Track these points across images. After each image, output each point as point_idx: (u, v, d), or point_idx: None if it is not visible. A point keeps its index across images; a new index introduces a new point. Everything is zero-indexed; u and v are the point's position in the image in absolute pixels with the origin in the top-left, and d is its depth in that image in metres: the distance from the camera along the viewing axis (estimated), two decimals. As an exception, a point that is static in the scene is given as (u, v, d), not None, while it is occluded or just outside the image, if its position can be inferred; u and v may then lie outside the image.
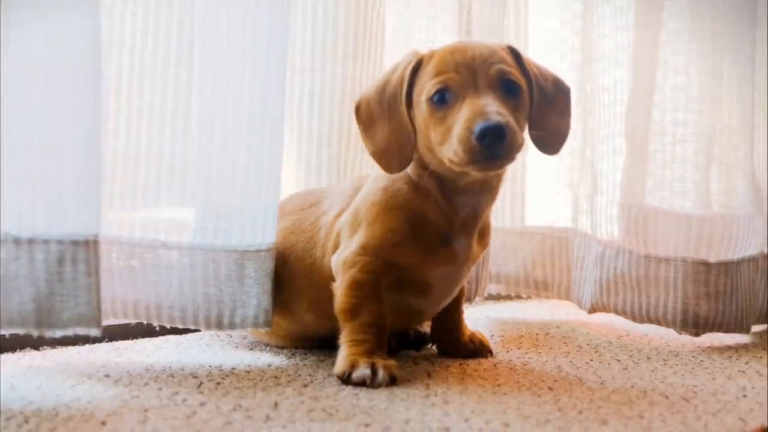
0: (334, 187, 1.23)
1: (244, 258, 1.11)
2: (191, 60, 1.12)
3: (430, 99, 1.02)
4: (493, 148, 0.96)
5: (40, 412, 0.87)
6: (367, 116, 1.09)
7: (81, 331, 0.96)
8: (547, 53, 1.58)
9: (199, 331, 1.27)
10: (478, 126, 0.96)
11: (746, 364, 1.21)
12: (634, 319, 1.40)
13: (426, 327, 1.26)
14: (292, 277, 1.15)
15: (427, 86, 1.03)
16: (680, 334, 1.37)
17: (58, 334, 0.96)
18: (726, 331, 1.37)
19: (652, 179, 1.44)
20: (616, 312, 1.41)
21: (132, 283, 1.11)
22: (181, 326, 1.13)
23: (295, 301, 1.15)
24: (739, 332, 1.38)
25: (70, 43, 0.95)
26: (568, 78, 1.51)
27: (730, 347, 1.33)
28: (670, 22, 1.42)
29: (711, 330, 1.36)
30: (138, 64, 1.12)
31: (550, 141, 1.10)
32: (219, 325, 1.12)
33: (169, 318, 1.11)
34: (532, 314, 1.60)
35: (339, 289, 1.08)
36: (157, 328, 1.18)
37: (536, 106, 1.07)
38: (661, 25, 1.42)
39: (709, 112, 1.41)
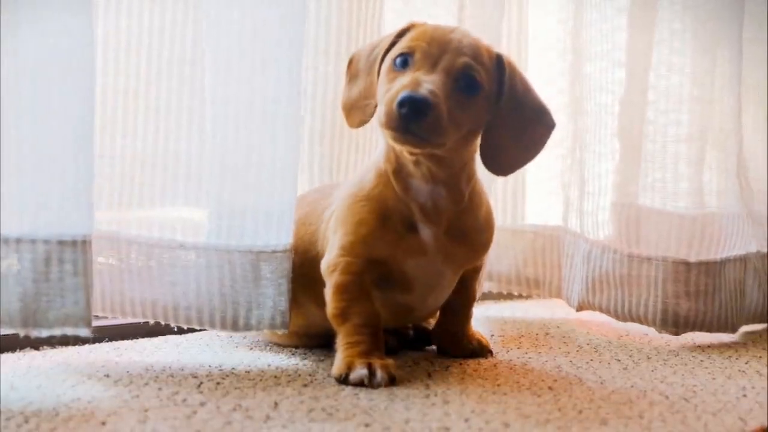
0: (343, 183, 1.24)
1: (259, 259, 1.11)
2: (205, 58, 1.12)
3: (393, 59, 1.04)
4: (408, 120, 0.96)
5: (40, 412, 0.87)
6: (354, 69, 1.12)
7: (69, 331, 0.96)
8: (545, 52, 1.58)
9: (200, 330, 1.27)
10: (402, 93, 0.97)
11: (746, 363, 1.21)
12: (617, 317, 1.40)
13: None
14: (300, 268, 1.15)
15: (396, 48, 1.05)
16: (660, 333, 1.38)
17: (45, 333, 0.95)
18: (709, 331, 1.37)
19: (638, 178, 1.43)
20: (601, 310, 1.42)
21: (149, 283, 1.11)
22: (198, 327, 1.13)
23: (303, 292, 1.15)
24: (724, 332, 1.38)
25: (60, 42, 0.95)
26: (566, 78, 1.53)
27: (729, 347, 1.33)
28: (663, 22, 1.42)
29: (692, 329, 1.36)
30: (155, 62, 1.13)
31: (504, 162, 1.09)
32: (235, 327, 1.12)
33: (186, 318, 1.12)
34: (532, 314, 1.60)
35: (327, 294, 1.08)
36: (175, 328, 1.18)
37: (501, 120, 1.06)
38: (654, 25, 1.42)
39: (696, 112, 1.41)
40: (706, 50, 1.40)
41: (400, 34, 1.08)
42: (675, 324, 1.35)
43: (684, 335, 1.38)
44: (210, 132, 1.11)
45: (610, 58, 1.43)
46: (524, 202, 1.60)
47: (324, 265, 1.09)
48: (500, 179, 1.56)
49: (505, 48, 1.50)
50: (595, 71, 1.43)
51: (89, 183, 0.98)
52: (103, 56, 1.11)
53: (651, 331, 1.43)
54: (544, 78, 1.56)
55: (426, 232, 1.08)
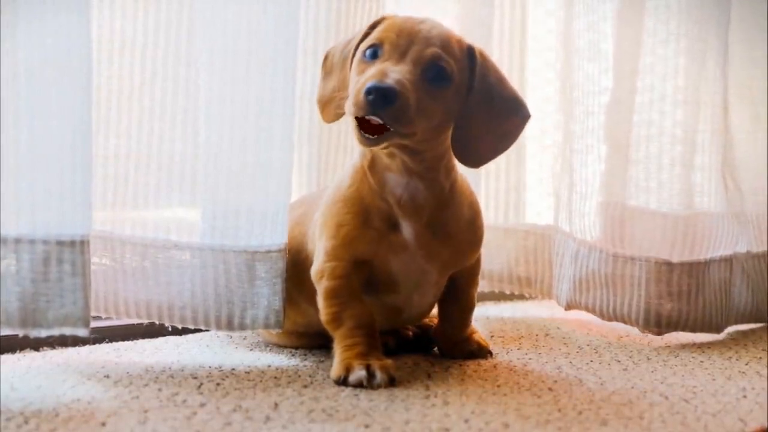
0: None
1: (254, 259, 1.11)
2: (200, 59, 1.12)
3: (363, 51, 1.04)
4: (375, 108, 0.96)
5: (40, 412, 0.87)
6: (329, 65, 1.12)
7: (68, 331, 0.96)
8: (544, 52, 1.58)
9: (200, 331, 1.27)
10: (369, 83, 0.97)
11: (746, 364, 1.21)
12: (602, 317, 1.40)
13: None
14: (294, 267, 1.15)
15: (367, 40, 1.05)
16: (643, 332, 1.38)
17: (44, 333, 0.96)
18: (692, 331, 1.37)
19: (623, 179, 1.43)
20: (587, 309, 1.42)
21: (144, 283, 1.11)
22: (192, 326, 1.13)
23: (298, 292, 1.15)
24: (708, 332, 1.38)
25: (58, 42, 0.95)
26: (562, 79, 1.52)
27: (729, 348, 1.33)
28: (651, 24, 1.42)
29: (675, 329, 1.36)
30: (149, 63, 1.13)
31: (475, 154, 1.08)
32: (230, 326, 1.12)
33: (180, 318, 1.12)
34: (532, 314, 1.60)
35: (319, 301, 1.08)
36: (169, 328, 1.18)
37: (473, 112, 1.05)
38: (643, 26, 1.42)
39: (682, 113, 1.41)
40: (693, 51, 1.40)
41: (372, 27, 1.07)
42: (657, 324, 1.36)
43: (685, 336, 1.38)
44: (204, 132, 1.12)
45: (606, 60, 1.43)
46: (519, 201, 1.60)
47: (313, 272, 1.10)
48: (495, 178, 1.56)
49: (505, 48, 1.50)
50: (593, 72, 1.43)
51: (87, 183, 0.98)
52: (97, 57, 1.11)
53: (650, 332, 1.43)
54: (542, 78, 1.56)
55: (406, 228, 1.07)
